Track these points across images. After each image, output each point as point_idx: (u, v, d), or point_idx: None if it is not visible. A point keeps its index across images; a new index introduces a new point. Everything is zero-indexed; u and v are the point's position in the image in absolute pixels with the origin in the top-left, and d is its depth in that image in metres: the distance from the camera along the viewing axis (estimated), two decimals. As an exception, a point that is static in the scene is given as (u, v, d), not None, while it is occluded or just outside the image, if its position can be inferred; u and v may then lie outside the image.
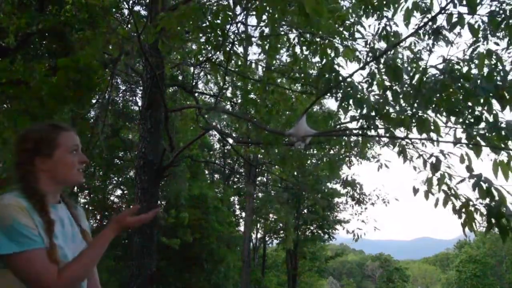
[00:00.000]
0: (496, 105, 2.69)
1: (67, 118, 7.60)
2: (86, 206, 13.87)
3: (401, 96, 2.86)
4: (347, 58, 3.87)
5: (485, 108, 2.66)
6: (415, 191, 2.98)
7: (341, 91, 3.09)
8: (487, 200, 2.52)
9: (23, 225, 1.38)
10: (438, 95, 2.66)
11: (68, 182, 1.60)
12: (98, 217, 14.61)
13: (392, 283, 47.44)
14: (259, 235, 24.42)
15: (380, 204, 17.61)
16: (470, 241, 41.30)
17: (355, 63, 4.09)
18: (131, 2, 7.80)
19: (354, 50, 4.00)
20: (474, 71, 2.80)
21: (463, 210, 2.72)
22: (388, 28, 4.03)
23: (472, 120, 2.68)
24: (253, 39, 4.19)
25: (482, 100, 2.62)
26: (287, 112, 6.10)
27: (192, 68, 6.53)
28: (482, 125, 2.72)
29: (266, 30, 4.01)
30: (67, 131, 1.62)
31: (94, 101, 9.37)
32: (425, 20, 3.43)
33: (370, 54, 3.47)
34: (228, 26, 3.67)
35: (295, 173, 16.93)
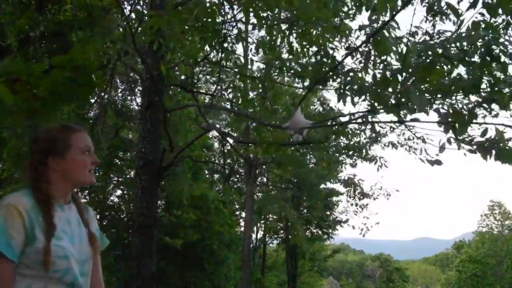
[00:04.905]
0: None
1: (67, 118, 7.60)
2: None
3: (389, 75, 2.82)
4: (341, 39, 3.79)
5: (484, 72, 2.59)
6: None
7: (339, 79, 3.06)
8: None
9: (6, 231, 1.39)
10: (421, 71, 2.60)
11: (80, 182, 1.63)
12: (98, 217, 14.61)
13: (392, 283, 47.43)
14: (259, 235, 24.42)
15: (381, 198, 17.57)
16: (466, 241, 41.38)
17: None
18: (131, 1, 7.81)
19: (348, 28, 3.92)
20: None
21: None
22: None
23: (472, 89, 2.63)
24: (249, 35, 4.17)
25: (479, 61, 2.57)
26: (284, 112, 6.10)
27: (192, 68, 6.51)
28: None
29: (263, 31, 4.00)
30: (79, 132, 1.64)
31: (93, 101, 9.39)
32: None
33: (361, 32, 3.36)
34: (222, 25, 3.66)
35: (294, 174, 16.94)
